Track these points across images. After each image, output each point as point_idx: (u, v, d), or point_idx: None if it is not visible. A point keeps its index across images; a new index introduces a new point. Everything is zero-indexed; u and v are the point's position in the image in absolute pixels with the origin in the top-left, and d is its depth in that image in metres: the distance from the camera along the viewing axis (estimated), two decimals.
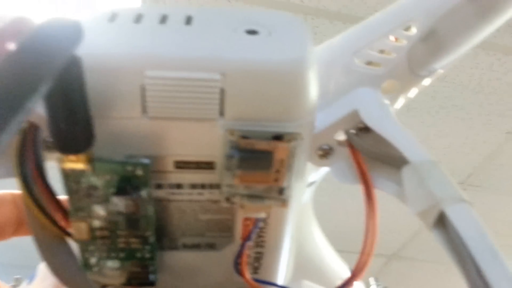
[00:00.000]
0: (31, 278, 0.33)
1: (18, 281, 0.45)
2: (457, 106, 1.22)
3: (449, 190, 0.17)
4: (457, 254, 0.16)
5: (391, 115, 0.21)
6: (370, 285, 0.43)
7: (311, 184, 0.27)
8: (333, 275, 0.31)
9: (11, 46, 0.15)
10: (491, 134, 1.30)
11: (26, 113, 0.12)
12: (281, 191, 0.19)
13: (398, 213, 1.63)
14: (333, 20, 0.99)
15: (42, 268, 0.32)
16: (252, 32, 0.18)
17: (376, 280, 0.43)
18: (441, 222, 0.17)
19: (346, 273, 0.32)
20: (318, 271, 0.30)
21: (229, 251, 0.22)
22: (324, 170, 0.26)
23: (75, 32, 0.14)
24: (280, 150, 0.18)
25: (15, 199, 0.25)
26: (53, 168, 0.19)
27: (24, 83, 0.12)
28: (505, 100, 1.20)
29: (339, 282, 0.30)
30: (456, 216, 0.16)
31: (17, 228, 0.25)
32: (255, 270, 0.24)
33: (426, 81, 0.22)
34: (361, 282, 0.35)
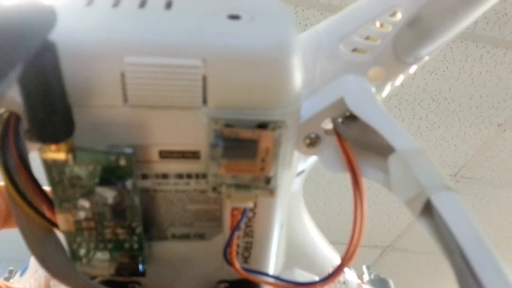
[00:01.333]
0: (23, 270, 0.33)
1: (12, 273, 0.45)
2: (448, 98, 1.23)
3: (435, 178, 0.17)
4: (443, 242, 0.16)
5: (378, 102, 0.20)
6: (363, 273, 0.43)
7: (300, 173, 0.27)
8: (324, 263, 0.31)
9: None
10: (483, 126, 1.31)
11: None
12: (267, 180, 0.19)
13: (392, 205, 1.64)
14: (323, 11, 0.99)
15: (34, 261, 0.32)
16: (234, 17, 0.17)
17: (368, 268, 0.43)
18: (428, 210, 0.16)
19: (337, 261, 0.32)
20: (309, 259, 0.30)
21: (218, 241, 0.22)
22: (313, 159, 0.26)
23: (48, 16, 0.14)
24: (265, 138, 0.18)
25: (2, 191, 0.25)
26: (37, 159, 0.19)
27: None
28: (495, 93, 1.21)
29: (331, 270, 0.30)
30: (442, 204, 0.16)
31: (6, 220, 0.25)
32: (245, 260, 0.24)
33: (413, 68, 0.22)
34: (353, 270, 0.35)
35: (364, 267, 0.43)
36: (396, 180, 0.18)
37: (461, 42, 1.09)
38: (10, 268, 0.47)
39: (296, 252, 0.29)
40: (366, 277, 0.42)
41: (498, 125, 1.31)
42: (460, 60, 1.12)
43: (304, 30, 0.17)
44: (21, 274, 0.34)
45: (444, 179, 0.17)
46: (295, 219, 0.29)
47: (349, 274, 0.34)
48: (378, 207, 1.59)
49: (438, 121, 1.30)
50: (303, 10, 1.00)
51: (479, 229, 0.15)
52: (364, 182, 0.20)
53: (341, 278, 0.33)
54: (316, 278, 0.31)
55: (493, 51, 1.10)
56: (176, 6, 0.18)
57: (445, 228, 0.15)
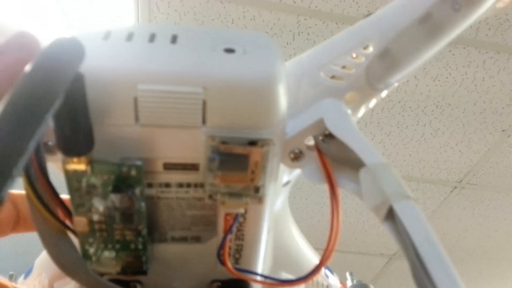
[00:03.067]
0: (27, 272, 0.35)
1: (12, 278, 0.47)
2: (451, 105, 1.24)
3: (397, 188, 0.20)
4: (402, 241, 0.19)
5: (351, 123, 0.24)
6: (346, 279, 0.46)
7: (285, 184, 0.30)
8: (308, 267, 0.34)
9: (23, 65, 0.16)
10: (487, 132, 1.32)
11: (46, 124, 0.15)
12: (257, 189, 0.22)
13: None
14: (325, 21, 1.01)
15: (38, 264, 0.34)
16: (229, 51, 0.21)
17: (351, 274, 0.46)
18: (391, 216, 0.19)
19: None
20: (295, 264, 0.33)
21: (213, 244, 0.25)
22: (297, 171, 0.29)
23: (78, 51, 0.16)
24: (254, 154, 0.21)
25: (12, 198, 0.27)
26: (53, 169, 0.22)
27: (43, 99, 0.15)
28: (499, 98, 1.22)
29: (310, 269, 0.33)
30: (402, 211, 0.19)
31: (15, 225, 0.27)
32: (236, 261, 0.26)
33: (384, 93, 0.25)
34: (337, 276, 0.38)
35: (347, 274, 0.46)
36: (365, 190, 0.21)
37: (464, 48, 1.09)
38: (10, 273, 0.49)
39: (282, 256, 0.32)
40: (349, 283, 0.45)
41: (503, 130, 1.32)
42: (463, 66, 1.13)
43: (307, 39, 0.20)
44: (25, 277, 0.36)
45: (405, 189, 0.20)
46: (283, 226, 0.32)
47: (332, 279, 0.37)
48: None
49: (442, 128, 1.31)
50: (305, 19, 1.02)
51: (430, 230, 0.18)
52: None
53: (324, 282, 0.36)
54: None
55: (496, 57, 1.11)
56: (180, 41, 0.21)
57: (403, 230, 0.18)
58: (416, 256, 0.17)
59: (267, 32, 1.05)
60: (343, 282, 0.38)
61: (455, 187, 1.57)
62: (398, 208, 0.19)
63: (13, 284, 0.31)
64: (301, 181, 1.52)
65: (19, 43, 0.20)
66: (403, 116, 1.29)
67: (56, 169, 0.22)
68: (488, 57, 1.12)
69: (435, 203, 1.63)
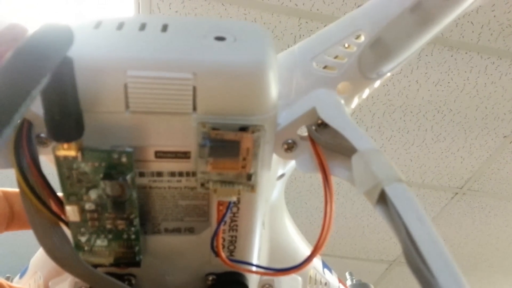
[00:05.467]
0: (23, 272, 0.35)
1: (9, 279, 0.47)
2: (453, 110, 1.24)
3: (388, 172, 0.20)
4: (394, 223, 0.19)
5: (344, 111, 0.24)
6: (346, 279, 0.46)
7: (280, 177, 0.30)
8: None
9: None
10: (489, 138, 1.32)
11: (30, 102, 0.15)
12: (249, 177, 0.22)
13: None
14: (327, 23, 1.02)
15: (33, 263, 0.34)
16: (220, 39, 0.21)
17: (351, 274, 0.45)
18: (383, 199, 0.19)
19: (317, 261, 0.35)
20: (291, 259, 0.33)
21: (207, 235, 0.25)
22: (291, 164, 0.29)
23: (67, 36, 0.17)
24: (245, 139, 0.21)
25: (6, 196, 0.27)
26: (46, 164, 0.22)
27: (28, 78, 0.15)
28: (501, 104, 1.21)
29: (312, 270, 0.33)
30: (394, 193, 0.19)
31: (10, 223, 0.27)
32: (231, 253, 0.26)
33: (377, 83, 0.25)
34: (335, 274, 0.38)
35: (346, 274, 0.46)
36: (357, 175, 0.21)
37: (466, 53, 1.09)
38: (8, 275, 0.49)
39: (278, 252, 0.32)
40: (348, 282, 0.45)
41: (504, 136, 1.31)
42: (465, 72, 1.13)
43: None
44: (21, 276, 0.36)
45: (397, 173, 0.20)
46: (278, 221, 0.32)
47: (330, 277, 0.37)
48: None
49: (443, 133, 1.31)
50: (306, 22, 1.02)
51: (421, 211, 0.18)
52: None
53: (323, 279, 0.36)
54: (299, 278, 0.33)
55: (498, 62, 1.11)
56: (171, 29, 0.21)
57: (395, 211, 0.18)
58: (408, 236, 0.17)
59: None
60: (342, 280, 0.38)
61: (456, 193, 1.56)
62: (390, 191, 0.19)
63: (9, 283, 0.31)
64: (301, 186, 1.52)
65: (12, 34, 0.20)
66: (404, 121, 1.29)
67: (49, 163, 0.22)
68: (490, 62, 1.12)
69: (436, 209, 1.63)
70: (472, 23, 1.05)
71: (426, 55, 1.11)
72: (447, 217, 1.67)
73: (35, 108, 0.20)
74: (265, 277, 0.30)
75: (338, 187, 1.41)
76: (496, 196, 1.56)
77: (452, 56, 1.12)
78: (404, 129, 1.32)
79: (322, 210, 0.23)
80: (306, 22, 1.03)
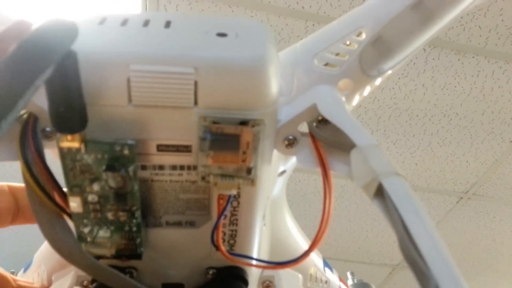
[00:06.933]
0: (27, 266, 0.36)
1: (13, 274, 0.47)
2: (459, 114, 1.23)
3: (386, 166, 0.20)
4: (390, 216, 0.19)
5: (344, 108, 0.24)
6: (347, 278, 0.46)
7: (281, 173, 0.30)
8: (306, 261, 0.34)
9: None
10: (495, 143, 1.31)
11: (33, 91, 0.16)
12: (249, 170, 0.22)
13: None
14: None
15: (37, 257, 0.35)
16: (221, 35, 0.21)
17: (352, 274, 0.46)
18: (380, 192, 0.20)
19: (318, 259, 0.35)
20: (290, 256, 0.33)
21: (208, 229, 0.25)
22: (292, 161, 0.30)
23: (71, 30, 0.17)
24: (246, 133, 0.21)
25: (12, 190, 0.28)
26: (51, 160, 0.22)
27: (32, 68, 0.15)
28: (508, 108, 1.21)
29: (312, 268, 0.33)
30: (391, 186, 0.19)
31: (15, 217, 0.28)
32: (231, 247, 0.27)
33: (378, 81, 0.26)
34: (336, 273, 0.38)
35: (348, 273, 0.46)
36: (356, 169, 0.21)
37: (473, 57, 1.09)
38: (12, 270, 0.50)
39: (279, 249, 0.32)
40: (349, 281, 0.45)
41: (511, 141, 1.31)
42: (472, 76, 1.13)
43: None
44: (25, 270, 0.36)
45: (394, 167, 0.20)
46: (279, 218, 0.33)
47: (331, 275, 0.37)
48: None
49: (449, 137, 1.31)
50: (313, 24, 1.03)
51: (418, 204, 0.18)
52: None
53: (323, 277, 0.36)
54: (299, 275, 0.34)
55: (505, 67, 1.11)
56: (174, 25, 0.21)
57: (391, 204, 0.18)
58: (404, 228, 0.17)
59: (274, 38, 1.06)
60: (342, 278, 0.38)
61: (461, 198, 1.56)
62: (387, 184, 0.19)
63: (14, 276, 0.31)
64: (305, 188, 1.52)
65: (18, 30, 0.21)
66: (410, 124, 1.28)
67: (54, 157, 0.23)
68: (498, 66, 1.12)
69: (441, 214, 1.62)
70: (479, 27, 1.05)
71: (433, 59, 1.11)
72: (451, 221, 1.66)
73: (41, 102, 0.20)
74: (266, 274, 0.31)
75: (342, 190, 1.41)
76: (502, 201, 1.55)
77: (459, 60, 1.12)
78: (409, 133, 1.31)
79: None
80: (313, 25, 1.03)
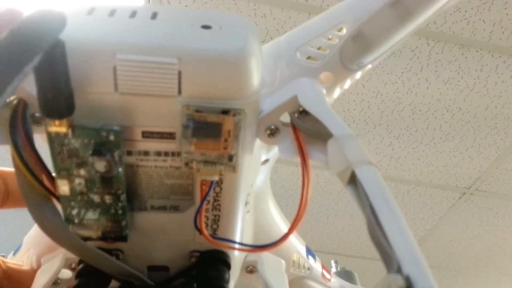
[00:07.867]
0: (16, 250, 0.37)
1: (4, 257, 0.48)
2: (462, 109, 1.23)
3: (360, 156, 0.21)
4: (361, 201, 0.20)
5: (324, 100, 0.25)
6: (331, 266, 0.47)
7: (264, 162, 0.31)
8: (288, 247, 0.35)
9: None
10: (498, 138, 1.31)
11: (23, 77, 0.17)
12: (230, 157, 0.23)
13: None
14: None
15: (26, 241, 0.36)
16: (206, 27, 0.22)
17: (336, 262, 0.47)
18: (353, 180, 0.21)
19: (301, 247, 0.36)
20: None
21: (191, 213, 0.26)
22: (275, 151, 0.31)
23: (59, 20, 0.18)
24: (227, 122, 0.22)
25: (1, 175, 0.29)
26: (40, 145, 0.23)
27: (21, 55, 0.17)
28: (511, 104, 1.20)
29: (295, 255, 0.34)
30: (363, 174, 0.20)
31: (5, 201, 0.29)
32: (214, 231, 0.28)
33: (358, 74, 0.27)
34: (319, 261, 0.39)
35: (332, 262, 0.47)
36: (331, 158, 0.22)
37: (476, 51, 1.08)
38: (2, 254, 0.51)
39: (263, 236, 0.33)
40: (333, 269, 0.46)
41: None
42: (475, 70, 1.12)
43: None
44: (14, 253, 0.37)
45: (368, 157, 0.21)
46: (263, 207, 0.34)
47: (314, 263, 0.38)
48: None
49: (452, 132, 1.30)
50: None
51: (386, 190, 0.19)
52: None
53: (306, 264, 0.37)
54: (282, 261, 0.35)
55: (509, 61, 1.10)
56: (160, 17, 0.22)
57: (363, 191, 0.19)
58: (372, 213, 0.18)
59: (277, 30, 1.06)
60: (325, 267, 0.39)
61: (464, 193, 1.56)
62: (360, 172, 0.20)
63: (3, 259, 0.32)
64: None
65: (8, 18, 0.22)
66: (413, 119, 1.28)
67: (43, 142, 0.24)
68: (501, 61, 1.11)
69: (443, 209, 1.63)
70: (483, 21, 1.04)
71: (437, 53, 1.11)
72: (454, 217, 1.66)
73: (30, 88, 0.21)
74: (249, 259, 0.32)
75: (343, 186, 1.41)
76: (504, 197, 1.55)
77: (462, 54, 1.11)
78: (412, 128, 1.31)
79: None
80: None
